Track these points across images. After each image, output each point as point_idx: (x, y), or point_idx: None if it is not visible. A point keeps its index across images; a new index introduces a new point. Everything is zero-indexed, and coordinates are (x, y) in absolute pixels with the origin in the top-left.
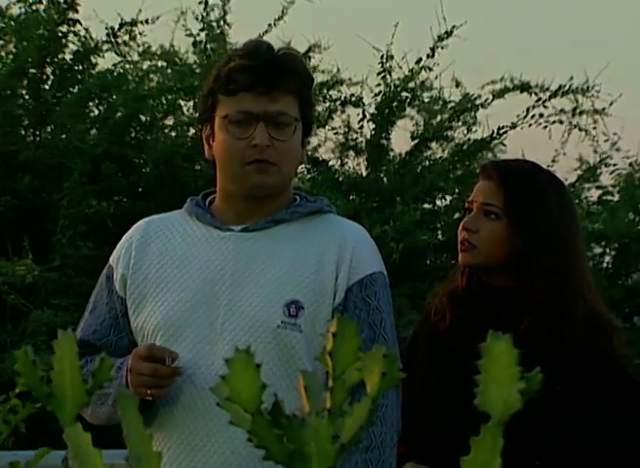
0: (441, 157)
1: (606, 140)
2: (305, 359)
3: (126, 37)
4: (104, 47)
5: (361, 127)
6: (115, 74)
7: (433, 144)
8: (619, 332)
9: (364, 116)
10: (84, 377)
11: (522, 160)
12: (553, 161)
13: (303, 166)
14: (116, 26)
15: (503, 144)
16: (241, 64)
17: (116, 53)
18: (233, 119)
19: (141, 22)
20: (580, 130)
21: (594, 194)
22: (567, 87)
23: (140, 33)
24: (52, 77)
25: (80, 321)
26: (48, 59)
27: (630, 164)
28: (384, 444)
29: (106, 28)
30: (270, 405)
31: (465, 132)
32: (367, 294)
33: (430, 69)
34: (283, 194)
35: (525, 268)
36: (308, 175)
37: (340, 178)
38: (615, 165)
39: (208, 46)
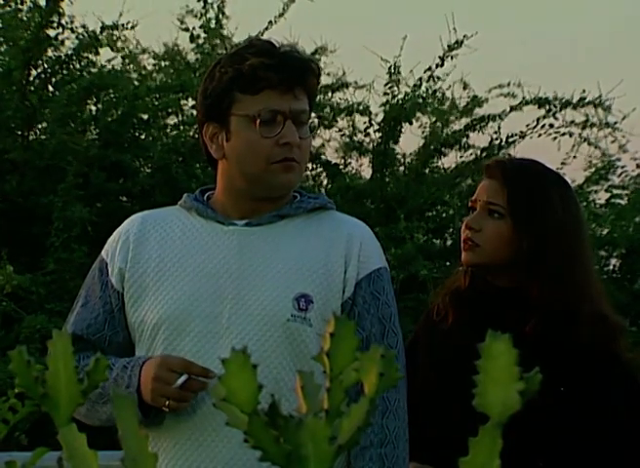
0: (456, 166)
1: (613, 141)
2: (315, 354)
3: (107, 40)
4: (92, 48)
5: (367, 134)
6: (112, 72)
7: (449, 152)
8: (625, 335)
9: (370, 124)
10: (79, 377)
11: (527, 159)
12: (563, 163)
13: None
14: (97, 30)
15: (509, 155)
16: (264, 62)
17: (112, 48)
18: (263, 118)
19: (123, 26)
20: (590, 144)
21: (602, 197)
22: (580, 99)
23: (120, 37)
24: (37, 80)
25: (69, 315)
26: (33, 62)
27: (638, 165)
28: (398, 438)
29: (87, 32)
30: (267, 405)
31: (487, 144)
32: (375, 289)
33: (439, 79)
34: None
35: (529, 268)
36: (316, 181)
37: (349, 184)
38: (623, 166)
39: (207, 42)
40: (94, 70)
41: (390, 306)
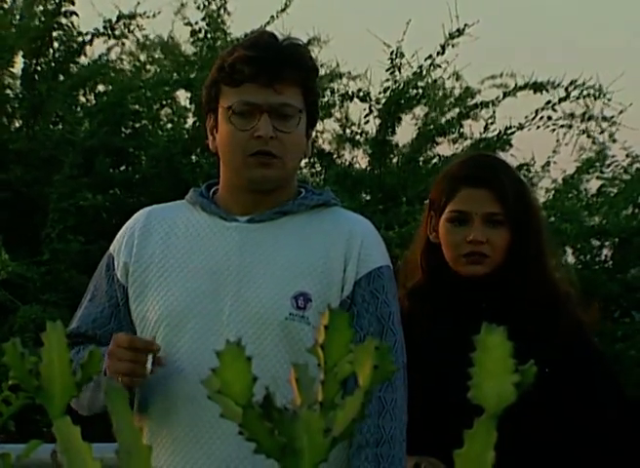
0: (454, 154)
1: (601, 132)
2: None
3: (124, 30)
4: (101, 39)
5: (367, 122)
6: (105, 63)
7: (443, 141)
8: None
9: (370, 111)
10: (73, 368)
11: (492, 156)
12: (554, 152)
13: (309, 158)
14: (114, 19)
15: (510, 145)
16: (245, 55)
17: (111, 36)
18: (237, 110)
19: (140, 16)
20: (589, 136)
21: (593, 186)
22: (579, 90)
23: (139, 26)
24: (45, 68)
25: (77, 310)
26: (42, 50)
27: (628, 155)
28: (395, 438)
29: (104, 21)
30: (262, 397)
31: (482, 130)
32: (375, 288)
33: (440, 67)
34: (288, 186)
35: (525, 265)
36: (314, 169)
37: (347, 171)
38: (613, 156)
39: (208, 35)
40: (81, 61)
41: (390, 305)
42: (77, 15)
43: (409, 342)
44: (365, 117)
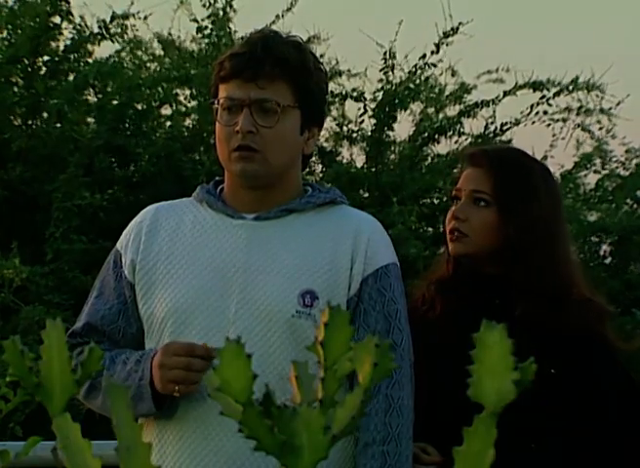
0: (449, 152)
1: (601, 128)
2: None
3: (118, 30)
4: (96, 38)
5: (362, 121)
6: (111, 62)
7: (441, 139)
8: (610, 316)
9: (365, 111)
10: (72, 367)
11: (511, 147)
12: (551, 146)
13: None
14: (108, 19)
15: (505, 141)
16: (233, 52)
17: (112, 40)
18: (223, 106)
19: (133, 16)
20: (584, 130)
21: (591, 181)
22: (572, 80)
23: (133, 26)
24: (44, 67)
25: (84, 306)
26: (40, 49)
27: (627, 150)
28: (401, 435)
29: (98, 21)
30: (261, 395)
31: (483, 130)
32: (382, 286)
33: (434, 66)
34: (289, 183)
35: (516, 254)
36: (311, 168)
37: (346, 169)
38: (611, 151)
39: (213, 33)
40: (90, 60)
41: (397, 303)
42: (72, 14)
43: (425, 332)
44: (360, 117)
